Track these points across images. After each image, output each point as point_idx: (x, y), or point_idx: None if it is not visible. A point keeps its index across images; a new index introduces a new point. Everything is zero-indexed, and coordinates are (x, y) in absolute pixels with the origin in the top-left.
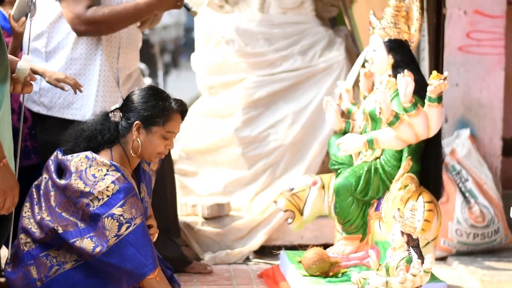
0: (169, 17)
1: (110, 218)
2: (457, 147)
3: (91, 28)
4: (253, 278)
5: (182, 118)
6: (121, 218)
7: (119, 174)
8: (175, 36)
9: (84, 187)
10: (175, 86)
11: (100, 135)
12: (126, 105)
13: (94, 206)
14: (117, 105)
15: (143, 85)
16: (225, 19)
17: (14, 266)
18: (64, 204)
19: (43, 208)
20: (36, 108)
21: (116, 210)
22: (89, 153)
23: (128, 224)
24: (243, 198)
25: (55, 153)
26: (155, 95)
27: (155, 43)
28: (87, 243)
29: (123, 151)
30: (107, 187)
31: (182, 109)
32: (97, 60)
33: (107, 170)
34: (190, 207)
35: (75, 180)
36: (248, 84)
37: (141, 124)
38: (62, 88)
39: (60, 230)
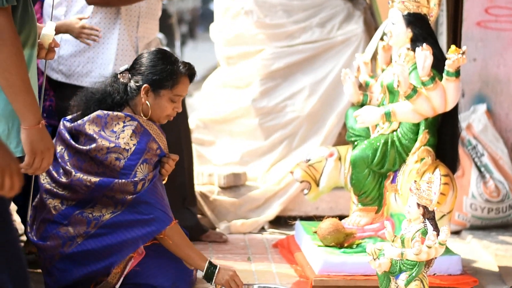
0: None
1: (144, 163)
2: (474, 122)
3: None
4: (268, 248)
5: (190, 81)
6: (151, 161)
7: (136, 122)
8: (192, 7)
9: (109, 143)
10: (192, 57)
11: (110, 98)
12: (135, 68)
13: (125, 158)
14: (126, 66)
15: None
16: None
17: (41, 231)
18: (86, 167)
19: (64, 172)
20: (54, 76)
21: (147, 155)
22: (99, 112)
23: (157, 166)
24: (259, 168)
25: (61, 122)
26: (164, 58)
27: (173, 13)
28: (127, 184)
29: (133, 113)
30: (130, 136)
31: (190, 72)
32: (116, 28)
33: (124, 122)
34: (206, 176)
35: (100, 141)
36: (266, 55)
37: (150, 87)
38: (88, 44)
39: (96, 179)
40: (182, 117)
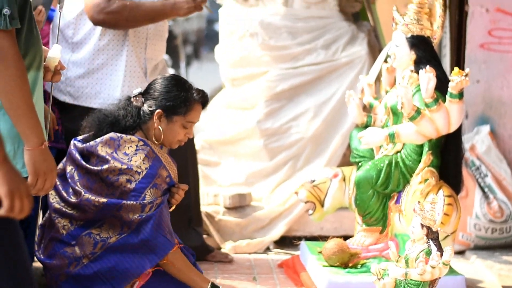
0: None
1: (154, 188)
2: (477, 143)
3: (109, 18)
4: (273, 268)
5: (203, 108)
6: (160, 187)
7: (148, 148)
8: (197, 28)
9: (121, 165)
10: (197, 78)
11: (123, 120)
12: (149, 92)
13: (136, 180)
14: (140, 90)
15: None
16: (249, 13)
17: (48, 250)
18: (96, 188)
19: (73, 192)
20: (62, 98)
21: (158, 180)
22: (113, 134)
23: (165, 194)
24: (264, 189)
25: (71, 143)
26: (178, 85)
27: (178, 34)
28: (135, 206)
29: (145, 137)
30: (143, 160)
31: (203, 100)
32: (124, 50)
33: (137, 146)
34: (211, 197)
35: (112, 162)
36: (271, 77)
37: (163, 113)
38: None
39: (105, 200)
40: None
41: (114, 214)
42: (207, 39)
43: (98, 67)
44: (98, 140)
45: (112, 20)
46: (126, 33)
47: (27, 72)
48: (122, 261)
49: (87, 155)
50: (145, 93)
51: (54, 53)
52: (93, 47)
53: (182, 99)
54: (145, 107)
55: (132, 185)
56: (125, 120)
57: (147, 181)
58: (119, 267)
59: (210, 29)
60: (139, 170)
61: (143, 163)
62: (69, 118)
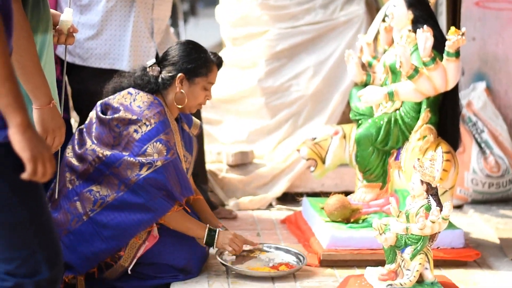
0: None
1: (158, 143)
2: (474, 99)
3: None
4: (276, 224)
5: (218, 69)
6: (168, 144)
7: (161, 108)
8: None
9: (132, 115)
10: (194, 35)
11: (141, 90)
12: (166, 59)
13: (142, 132)
14: (153, 60)
15: (171, 36)
16: None
17: (55, 204)
18: (105, 139)
19: (85, 143)
20: (71, 59)
21: (163, 136)
22: (131, 89)
23: (173, 151)
24: (266, 147)
25: (97, 103)
26: (196, 48)
27: None
28: (133, 163)
29: (164, 102)
30: (154, 114)
31: (219, 61)
32: (132, 11)
33: (151, 102)
34: (214, 155)
35: (123, 112)
36: (271, 36)
37: (185, 76)
38: None
39: (108, 152)
40: None
41: (113, 170)
42: None
43: (107, 28)
44: (117, 93)
45: None
46: None
47: (34, 35)
48: (120, 220)
49: (104, 109)
50: (162, 61)
51: (67, 16)
52: (102, 8)
53: (202, 60)
54: (164, 74)
55: (138, 135)
56: (143, 89)
57: (152, 134)
58: (117, 226)
59: None
60: (147, 123)
61: (153, 117)
62: (78, 80)
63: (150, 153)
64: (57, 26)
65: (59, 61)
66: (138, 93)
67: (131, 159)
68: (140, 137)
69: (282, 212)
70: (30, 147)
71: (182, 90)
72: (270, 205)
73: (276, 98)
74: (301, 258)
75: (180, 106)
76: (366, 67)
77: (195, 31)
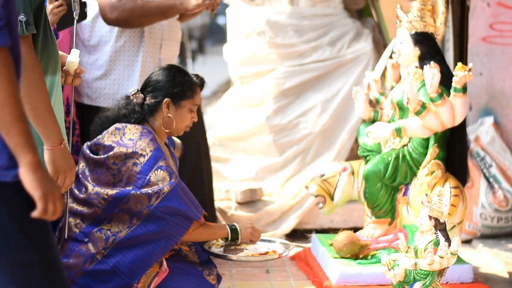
0: None
1: (159, 170)
2: (481, 134)
3: (122, 16)
4: (285, 260)
5: (201, 90)
6: (169, 168)
7: (152, 135)
8: (201, 23)
9: (127, 149)
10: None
11: (125, 119)
12: (149, 85)
13: (141, 163)
14: (135, 87)
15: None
16: (256, 12)
17: (64, 250)
18: (104, 179)
19: (85, 187)
20: (80, 99)
21: (163, 162)
22: (118, 124)
23: (175, 174)
24: (275, 184)
25: (84, 145)
26: (179, 72)
27: (183, 31)
28: (141, 197)
29: (152, 129)
30: (147, 143)
31: (202, 82)
32: (140, 51)
33: (141, 132)
34: (223, 192)
35: (117, 148)
36: (278, 74)
37: (171, 100)
38: None
39: (113, 192)
40: (200, 134)
41: (123, 207)
42: (211, 32)
43: (115, 68)
44: (104, 132)
45: (125, 17)
46: (142, 35)
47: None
48: (136, 254)
49: (95, 149)
50: (145, 88)
51: (73, 57)
52: (110, 49)
53: (187, 83)
54: (149, 100)
55: (137, 168)
56: (128, 118)
57: (151, 163)
58: (134, 259)
59: (213, 23)
60: (144, 153)
61: (148, 146)
62: (87, 119)
63: (154, 182)
64: (64, 67)
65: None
66: (126, 126)
67: (138, 192)
68: (141, 169)
69: None
70: (41, 186)
71: (169, 115)
72: None
73: (284, 136)
74: (286, 245)
75: (168, 131)
76: (373, 103)
77: (203, 69)
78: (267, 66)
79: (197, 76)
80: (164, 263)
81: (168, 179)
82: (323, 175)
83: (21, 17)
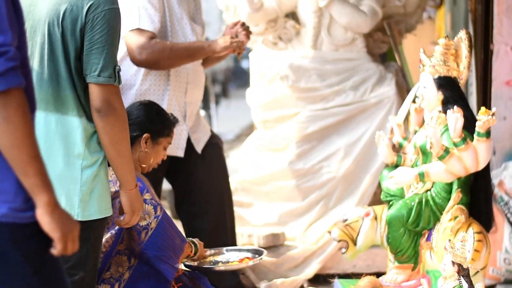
0: None
1: (144, 203)
2: (505, 179)
3: (152, 57)
4: None
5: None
6: (153, 201)
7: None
8: (226, 67)
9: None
10: (226, 116)
11: None
12: (129, 119)
13: None
14: None
15: (202, 119)
16: (279, 56)
17: None
18: None
19: None
20: None
21: (146, 195)
22: None
23: (159, 206)
24: (297, 228)
25: None
26: (159, 109)
27: (207, 74)
28: (133, 234)
29: None
30: None
31: (175, 121)
32: (165, 94)
33: None
34: (246, 237)
35: None
36: (301, 119)
37: (150, 136)
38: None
39: (107, 235)
40: (223, 179)
41: (119, 249)
42: (235, 76)
43: None
44: None
45: (154, 59)
46: (167, 78)
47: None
48: None
49: None
50: None
51: None
52: (136, 91)
53: (167, 121)
54: None
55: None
56: None
57: None
58: None
59: (238, 66)
60: None
61: None
62: None
63: (141, 216)
64: None
65: None
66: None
67: (129, 230)
68: None
69: None
70: (60, 227)
71: (146, 150)
72: (301, 287)
73: (307, 180)
74: (259, 252)
75: (144, 165)
76: (396, 148)
77: (227, 112)
78: (290, 110)
79: (171, 114)
80: None
81: (153, 213)
82: (346, 220)
83: (117, 68)
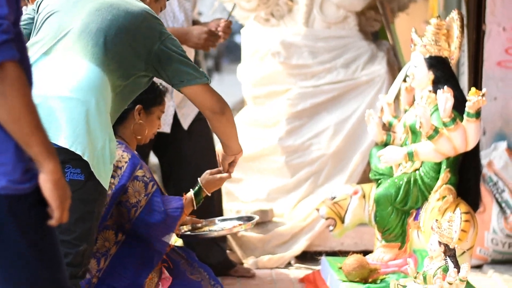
0: None
1: (135, 180)
2: (494, 159)
3: None
4: (294, 283)
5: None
6: (145, 178)
7: (123, 145)
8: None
9: None
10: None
11: None
12: None
13: (119, 175)
14: None
15: None
16: (271, 33)
17: None
18: None
19: None
20: None
21: (139, 172)
22: None
23: (152, 182)
24: (286, 205)
25: None
26: None
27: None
28: (122, 210)
29: (122, 139)
30: (121, 155)
31: (165, 90)
32: None
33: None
34: (234, 213)
35: None
36: (292, 95)
37: (142, 107)
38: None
39: None
40: (211, 154)
41: (107, 224)
42: (227, 51)
43: None
44: None
45: None
46: None
47: None
48: (129, 267)
49: None
50: None
51: None
52: None
53: (158, 90)
54: None
55: (115, 180)
56: None
57: (129, 174)
58: (128, 275)
59: (230, 40)
60: (120, 165)
61: (122, 158)
62: None
63: (131, 193)
64: None
65: None
66: None
67: (118, 206)
68: (119, 181)
69: (300, 271)
70: (60, 194)
71: (140, 121)
72: (289, 264)
73: (297, 157)
74: (250, 218)
75: (139, 137)
76: (386, 126)
77: (220, 87)
78: (281, 86)
79: (161, 84)
80: (165, 272)
81: (144, 190)
82: (334, 197)
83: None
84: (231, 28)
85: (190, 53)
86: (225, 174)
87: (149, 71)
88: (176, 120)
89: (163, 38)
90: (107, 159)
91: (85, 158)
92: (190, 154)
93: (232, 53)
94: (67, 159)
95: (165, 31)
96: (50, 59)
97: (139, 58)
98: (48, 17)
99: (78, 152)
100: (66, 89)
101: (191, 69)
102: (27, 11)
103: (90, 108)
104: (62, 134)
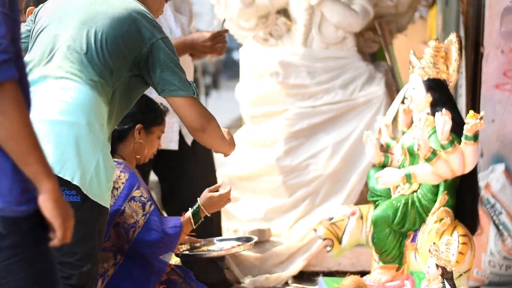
0: None
1: (132, 201)
2: (492, 181)
3: None
4: None
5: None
6: (142, 198)
7: (122, 165)
8: (216, 58)
9: None
10: (216, 107)
11: None
12: None
13: (115, 196)
14: None
15: None
16: (269, 52)
17: None
18: None
19: None
20: None
21: (136, 192)
22: None
23: (150, 202)
24: (283, 225)
25: None
26: (149, 99)
27: (197, 66)
28: (120, 231)
29: (121, 158)
30: (119, 176)
31: (166, 110)
32: None
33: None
34: (231, 232)
35: None
36: (290, 115)
37: (143, 127)
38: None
39: None
40: (210, 172)
41: (105, 246)
42: (226, 67)
43: None
44: None
45: None
46: None
47: None
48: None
49: None
50: None
51: None
52: None
53: (158, 110)
54: (119, 127)
55: (111, 201)
56: None
57: (125, 194)
58: None
59: (228, 57)
60: (116, 186)
61: (119, 178)
62: None
63: (128, 213)
64: None
65: None
66: None
67: (116, 228)
68: (115, 202)
69: None
70: (61, 213)
71: (140, 140)
72: (286, 284)
73: (294, 177)
74: (249, 239)
75: (138, 156)
76: (384, 148)
77: (217, 104)
78: (279, 106)
79: (161, 104)
80: None
81: (142, 210)
82: (332, 218)
83: (191, 81)
84: (227, 41)
85: (190, 69)
86: (224, 191)
87: (138, 71)
88: (180, 137)
89: (153, 41)
90: (102, 178)
91: (74, 182)
92: (192, 173)
93: (230, 69)
94: (61, 182)
95: (156, 34)
96: (39, 84)
97: (128, 62)
98: (39, 33)
99: (67, 178)
100: (55, 112)
101: (177, 80)
102: (26, 23)
103: (80, 130)
104: (50, 160)
